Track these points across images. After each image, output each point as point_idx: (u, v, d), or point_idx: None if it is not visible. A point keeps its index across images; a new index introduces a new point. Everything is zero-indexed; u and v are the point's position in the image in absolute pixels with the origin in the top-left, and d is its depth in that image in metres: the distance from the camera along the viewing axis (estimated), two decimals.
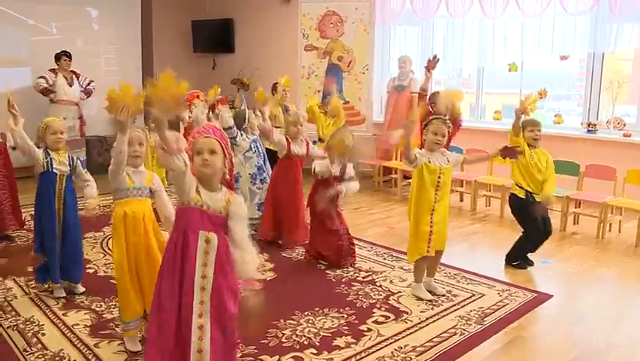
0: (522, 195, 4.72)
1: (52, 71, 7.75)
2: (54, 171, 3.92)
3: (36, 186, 4.03)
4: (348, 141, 4.58)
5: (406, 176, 7.22)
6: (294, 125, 5.09)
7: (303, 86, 8.62)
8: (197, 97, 6.72)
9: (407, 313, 3.89)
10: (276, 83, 6.78)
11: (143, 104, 2.95)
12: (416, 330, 3.64)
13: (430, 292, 4.19)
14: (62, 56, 7.77)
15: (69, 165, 3.98)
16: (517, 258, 4.87)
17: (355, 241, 4.97)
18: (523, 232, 4.86)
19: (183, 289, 2.51)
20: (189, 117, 6.56)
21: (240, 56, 9.58)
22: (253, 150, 5.52)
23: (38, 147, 3.95)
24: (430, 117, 4.15)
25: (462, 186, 7.16)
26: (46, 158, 3.91)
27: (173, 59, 9.77)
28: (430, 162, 3.93)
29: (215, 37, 9.87)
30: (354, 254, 4.85)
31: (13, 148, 4.41)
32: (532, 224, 4.75)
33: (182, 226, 2.54)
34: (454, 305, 4.03)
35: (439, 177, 3.94)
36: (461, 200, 7.22)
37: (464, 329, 3.66)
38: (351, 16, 8.40)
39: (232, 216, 2.55)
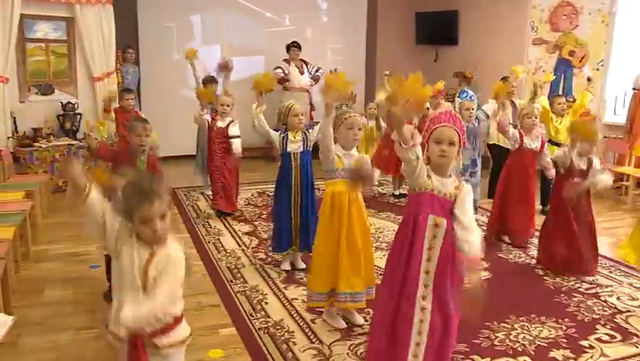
0: None
1: (286, 60, 8.34)
2: (288, 151, 4.20)
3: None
4: (596, 132, 4.23)
5: None
6: (528, 117, 4.92)
7: (530, 82, 8.15)
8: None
9: (638, 336, 3.49)
10: (504, 77, 6.50)
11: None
12: None
13: None
14: (292, 47, 8.33)
15: (303, 142, 4.21)
16: None
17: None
18: None
19: (409, 275, 2.54)
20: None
21: (463, 48, 9.37)
22: (471, 141, 5.50)
23: (277, 130, 4.26)
24: None
25: None
26: (283, 140, 4.19)
27: (395, 50, 9.90)
28: None
29: (438, 29, 9.74)
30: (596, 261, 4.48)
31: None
32: None
33: (413, 212, 2.56)
34: None
35: None
36: None
37: None
38: (587, 7, 7.73)
39: (461, 200, 2.53)
